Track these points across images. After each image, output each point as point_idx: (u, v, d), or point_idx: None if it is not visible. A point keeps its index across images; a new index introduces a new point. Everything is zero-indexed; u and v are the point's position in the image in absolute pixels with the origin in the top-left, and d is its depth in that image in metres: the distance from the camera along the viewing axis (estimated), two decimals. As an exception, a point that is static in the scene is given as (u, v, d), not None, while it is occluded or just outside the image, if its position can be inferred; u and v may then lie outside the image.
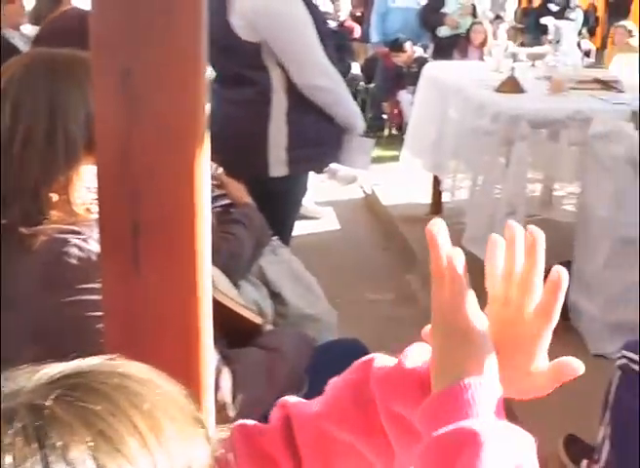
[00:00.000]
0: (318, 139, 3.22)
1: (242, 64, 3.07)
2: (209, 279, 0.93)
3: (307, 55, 3.06)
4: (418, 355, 0.82)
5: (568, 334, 3.67)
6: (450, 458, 0.67)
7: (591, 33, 18.25)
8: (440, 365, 0.77)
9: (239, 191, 2.51)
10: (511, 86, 3.99)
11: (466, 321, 0.76)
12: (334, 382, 0.88)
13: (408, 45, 8.20)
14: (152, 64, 0.86)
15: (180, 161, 0.89)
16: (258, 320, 1.93)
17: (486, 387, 0.73)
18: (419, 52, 8.33)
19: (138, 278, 0.90)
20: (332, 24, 9.71)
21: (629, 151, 3.36)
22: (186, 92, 0.88)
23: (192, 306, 0.92)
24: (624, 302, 3.49)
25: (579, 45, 8.72)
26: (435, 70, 5.12)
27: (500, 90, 4.02)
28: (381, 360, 0.84)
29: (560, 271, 0.78)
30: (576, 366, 0.80)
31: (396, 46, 8.25)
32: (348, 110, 3.31)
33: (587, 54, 9.19)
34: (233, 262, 2.18)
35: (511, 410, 0.85)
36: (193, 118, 0.89)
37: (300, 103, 3.11)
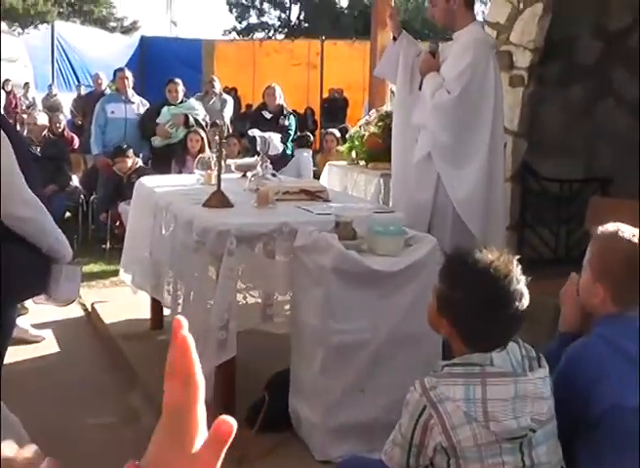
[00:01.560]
0: (25, 269, 3.11)
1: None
2: None
3: (7, 186, 2.97)
4: None
5: (292, 442, 3.70)
6: None
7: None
8: None
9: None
10: (219, 200, 4.03)
11: None
12: None
13: (131, 152, 8.20)
14: None
15: None
16: None
17: None
18: (139, 162, 8.33)
19: None
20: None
21: (334, 261, 3.47)
22: None
23: None
24: (343, 407, 3.56)
25: (292, 153, 9.14)
26: (148, 184, 5.09)
27: (207, 204, 4.04)
28: None
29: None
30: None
31: (120, 152, 8.22)
32: (52, 239, 3.25)
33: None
34: None
35: None
36: None
37: (6, 234, 3.02)
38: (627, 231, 2.49)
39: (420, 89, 4.66)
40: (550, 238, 6.54)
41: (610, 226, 2.54)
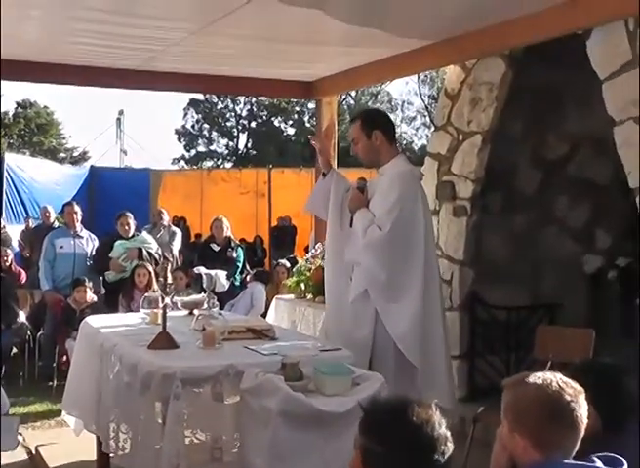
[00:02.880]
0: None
1: None
2: None
3: None
4: None
5: None
6: None
7: (260, 266, 19.33)
8: None
9: None
10: (164, 342, 4.00)
11: None
12: None
13: (91, 284, 8.19)
14: None
15: None
16: None
17: None
18: (92, 298, 8.28)
19: None
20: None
21: (280, 404, 3.43)
22: None
23: None
24: None
25: (244, 283, 9.15)
26: (94, 324, 5.04)
27: (153, 346, 4.01)
28: None
29: None
30: None
31: (79, 283, 8.23)
32: None
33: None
34: None
35: None
36: None
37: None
38: (534, 376, 2.49)
39: (350, 225, 4.72)
40: (501, 365, 6.56)
41: (517, 376, 2.56)
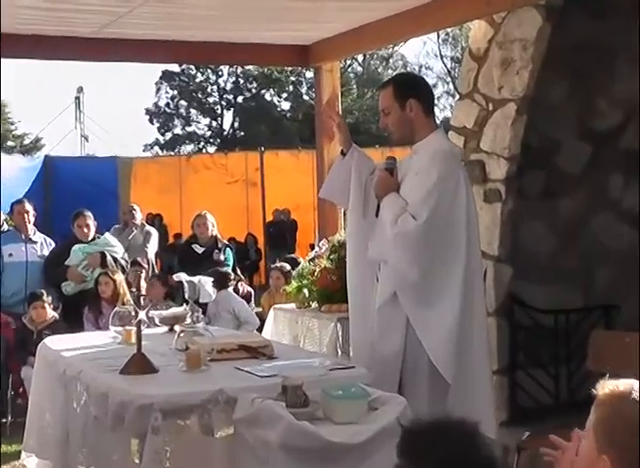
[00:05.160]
0: None
1: None
2: None
3: None
4: None
5: None
6: None
7: (254, 270, 19.43)
8: None
9: None
10: (139, 365, 4.02)
11: None
12: None
13: (50, 299, 8.18)
14: None
15: None
16: None
17: None
18: (52, 315, 8.25)
19: None
20: None
21: (281, 436, 3.44)
22: None
23: None
24: None
25: (236, 291, 9.14)
26: (54, 347, 5.06)
27: (126, 371, 4.02)
28: None
29: None
30: None
31: (35, 298, 8.22)
32: None
33: (247, 299, 9.62)
34: None
35: None
36: None
37: None
38: (638, 390, 2.48)
39: (376, 215, 4.72)
40: (548, 381, 6.57)
41: (618, 384, 2.53)
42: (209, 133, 45.17)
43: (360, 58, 41.27)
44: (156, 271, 11.70)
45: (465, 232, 4.57)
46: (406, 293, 4.56)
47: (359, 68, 43.04)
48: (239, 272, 9.96)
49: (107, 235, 9.26)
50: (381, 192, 4.70)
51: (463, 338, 4.55)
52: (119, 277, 8.27)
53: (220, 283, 8.34)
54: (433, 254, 4.52)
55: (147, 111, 44.68)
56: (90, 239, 8.68)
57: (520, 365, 6.58)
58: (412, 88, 4.83)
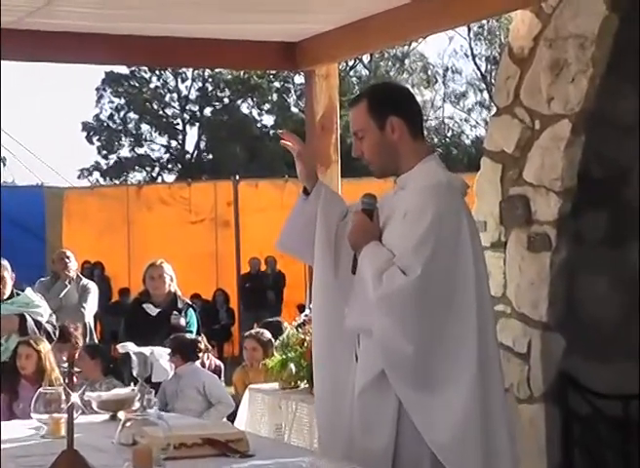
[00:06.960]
0: None
1: None
2: None
3: None
4: None
5: None
6: None
7: (224, 337, 19.42)
8: None
9: None
10: (71, 466, 4.00)
11: None
12: None
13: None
14: None
15: None
16: None
17: None
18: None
19: None
20: None
21: None
22: None
23: None
24: None
25: (201, 365, 9.14)
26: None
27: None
28: None
29: None
30: None
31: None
32: None
33: (219, 373, 9.63)
34: None
35: None
36: None
37: None
38: None
39: (353, 272, 4.70)
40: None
41: None
42: (166, 156, 45.37)
43: (366, 58, 41.51)
44: (94, 339, 11.69)
45: (475, 288, 4.53)
46: (397, 373, 4.51)
47: (365, 72, 43.28)
48: (205, 341, 9.96)
49: (29, 291, 9.26)
50: (359, 241, 4.66)
51: (483, 433, 4.51)
52: (44, 347, 8.25)
53: (185, 354, 8.34)
54: (432, 320, 4.47)
55: (85, 126, 44.87)
56: (6, 297, 8.68)
57: (576, 467, 6.57)
58: (392, 102, 4.78)
